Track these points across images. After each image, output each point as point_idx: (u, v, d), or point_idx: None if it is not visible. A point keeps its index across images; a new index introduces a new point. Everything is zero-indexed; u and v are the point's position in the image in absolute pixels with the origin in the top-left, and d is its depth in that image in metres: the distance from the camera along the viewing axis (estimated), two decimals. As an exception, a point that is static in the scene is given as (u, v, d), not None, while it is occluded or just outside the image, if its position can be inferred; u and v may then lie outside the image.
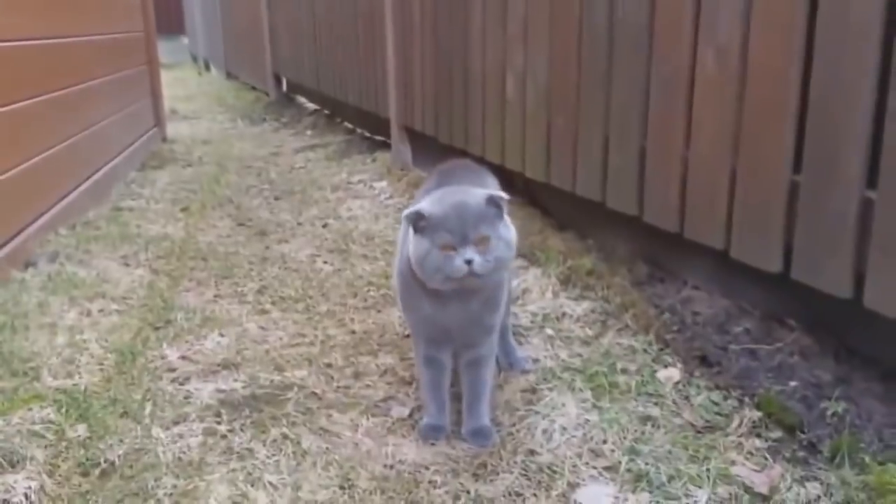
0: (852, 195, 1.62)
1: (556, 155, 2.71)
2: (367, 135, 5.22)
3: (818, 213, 1.70)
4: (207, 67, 12.29)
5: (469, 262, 1.42)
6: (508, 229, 1.50)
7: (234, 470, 1.55)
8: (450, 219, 1.44)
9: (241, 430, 1.70)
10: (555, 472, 1.54)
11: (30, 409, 1.72)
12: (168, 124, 5.86)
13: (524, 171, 2.91)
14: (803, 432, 1.58)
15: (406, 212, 1.49)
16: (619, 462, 1.55)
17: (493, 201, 1.47)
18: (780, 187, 1.79)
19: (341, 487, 1.50)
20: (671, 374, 1.87)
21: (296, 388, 1.88)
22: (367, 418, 1.75)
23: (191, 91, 9.25)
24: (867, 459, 1.46)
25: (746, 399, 1.72)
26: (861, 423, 1.56)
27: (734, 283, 2.11)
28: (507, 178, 3.25)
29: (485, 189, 1.57)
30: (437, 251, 1.44)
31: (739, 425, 1.64)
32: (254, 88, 8.59)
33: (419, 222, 1.47)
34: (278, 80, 7.60)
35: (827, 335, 1.84)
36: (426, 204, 1.50)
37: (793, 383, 1.72)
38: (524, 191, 3.10)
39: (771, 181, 1.81)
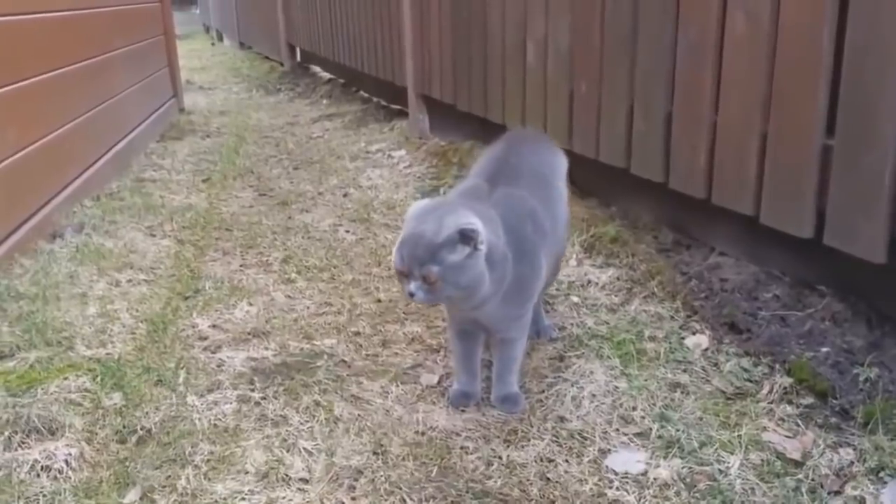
0: (888, 158, 1.59)
1: (579, 121, 2.68)
2: (384, 104, 5.19)
3: (852, 176, 1.67)
4: (220, 38, 12.23)
5: (411, 295, 1.40)
6: (467, 270, 1.39)
7: (268, 436, 1.57)
8: (404, 247, 1.40)
9: (274, 397, 1.72)
10: (585, 438, 1.55)
11: (65, 379, 1.75)
12: (185, 95, 5.85)
13: (546, 138, 2.88)
14: (835, 398, 1.58)
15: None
16: (650, 428, 1.56)
17: (464, 236, 1.38)
18: (812, 151, 1.76)
19: (374, 453, 1.52)
20: (699, 340, 1.87)
21: (325, 357, 1.90)
22: (397, 385, 1.77)
23: (205, 62, 9.23)
24: (901, 425, 1.45)
25: (777, 365, 1.71)
26: (895, 389, 1.55)
27: (763, 249, 2.09)
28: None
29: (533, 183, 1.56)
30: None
31: (770, 392, 1.64)
32: (267, 58, 8.55)
33: None
34: (292, 50, 7.56)
35: (859, 301, 1.82)
36: (410, 213, 1.48)
37: (824, 349, 1.71)
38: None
39: (803, 145, 1.78)
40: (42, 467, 1.47)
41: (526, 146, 1.79)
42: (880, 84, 1.59)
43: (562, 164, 1.83)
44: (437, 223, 1.40)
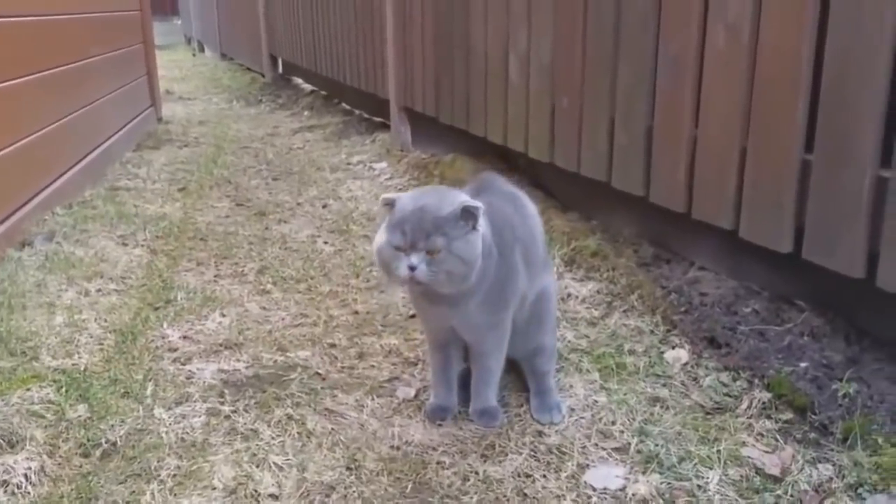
0: (866, 173, 1.59)
1: (561, 135, 2.67)
2: (366, 116, 5.17)
3: (831, 192, 1.67)
4: (201, 49, 12.17)
5: (412, 269, 1.37)
6: (469, 245, 1.39)
7: (238, 451, 1.53)
8: (408, 221, 1.38)
9: (245, 410, 1.67)
10: (564, 453, 1.52)
11: (28, 389, 1.69)
12: (163, 105, 5.79)
13: (527, 151, 2.88)
14: (814, 414, 1.56)
15: (383, 196, 1.46)
16: (629, 443, 1.54)
17: (467, 212, 1.39)
18: (791, 166, 1.76)
19: (348, 468, 1.48)
20: (679, 355, 1.86)
21: (299, 369, 1.85)
22: (373, 399, 1.73)
23: (185, 72, 9.16)
24: (880, 441, 1.44)
25: (756, 380, 1.70)
26: (873, 405, 1.54)
27: (742, 264, 2.09)
28: (510, 159, 3.23)
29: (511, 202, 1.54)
30: (390, 248, 1.40)
31: (749, 407, 1.63)
32: (249, 70, 8.51)
33: (390, 212, 1.44)
34: (274, 61, 7.52)
35: (837, 316, 1.82)
36: (401, 198, 1.44)
37: (803, 364, 1.70)
38: (527, 172, 3.06)
39: (782, 160, 1.78)
40: (0, 482, 1.41)
41: (504, 189, 1.71)
42: (859, 100, 1.59)
43: (532, 207, 1.73)
44: (440, 199, 1.42)
